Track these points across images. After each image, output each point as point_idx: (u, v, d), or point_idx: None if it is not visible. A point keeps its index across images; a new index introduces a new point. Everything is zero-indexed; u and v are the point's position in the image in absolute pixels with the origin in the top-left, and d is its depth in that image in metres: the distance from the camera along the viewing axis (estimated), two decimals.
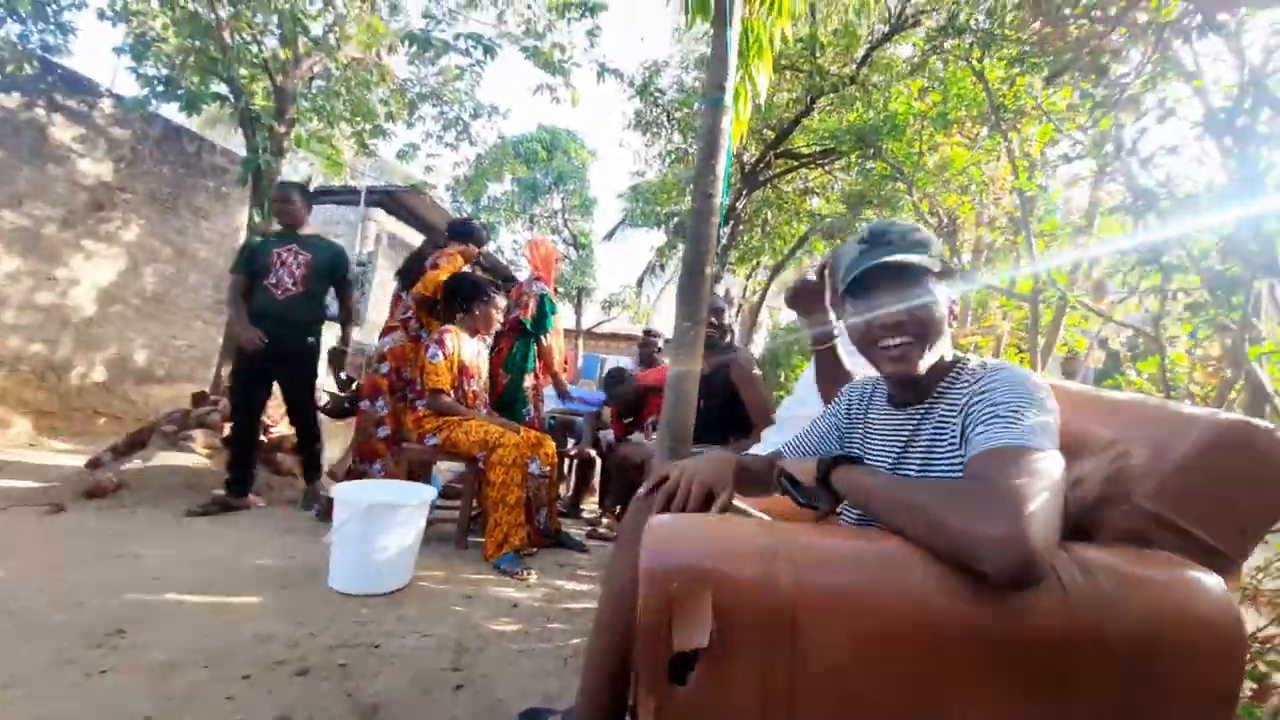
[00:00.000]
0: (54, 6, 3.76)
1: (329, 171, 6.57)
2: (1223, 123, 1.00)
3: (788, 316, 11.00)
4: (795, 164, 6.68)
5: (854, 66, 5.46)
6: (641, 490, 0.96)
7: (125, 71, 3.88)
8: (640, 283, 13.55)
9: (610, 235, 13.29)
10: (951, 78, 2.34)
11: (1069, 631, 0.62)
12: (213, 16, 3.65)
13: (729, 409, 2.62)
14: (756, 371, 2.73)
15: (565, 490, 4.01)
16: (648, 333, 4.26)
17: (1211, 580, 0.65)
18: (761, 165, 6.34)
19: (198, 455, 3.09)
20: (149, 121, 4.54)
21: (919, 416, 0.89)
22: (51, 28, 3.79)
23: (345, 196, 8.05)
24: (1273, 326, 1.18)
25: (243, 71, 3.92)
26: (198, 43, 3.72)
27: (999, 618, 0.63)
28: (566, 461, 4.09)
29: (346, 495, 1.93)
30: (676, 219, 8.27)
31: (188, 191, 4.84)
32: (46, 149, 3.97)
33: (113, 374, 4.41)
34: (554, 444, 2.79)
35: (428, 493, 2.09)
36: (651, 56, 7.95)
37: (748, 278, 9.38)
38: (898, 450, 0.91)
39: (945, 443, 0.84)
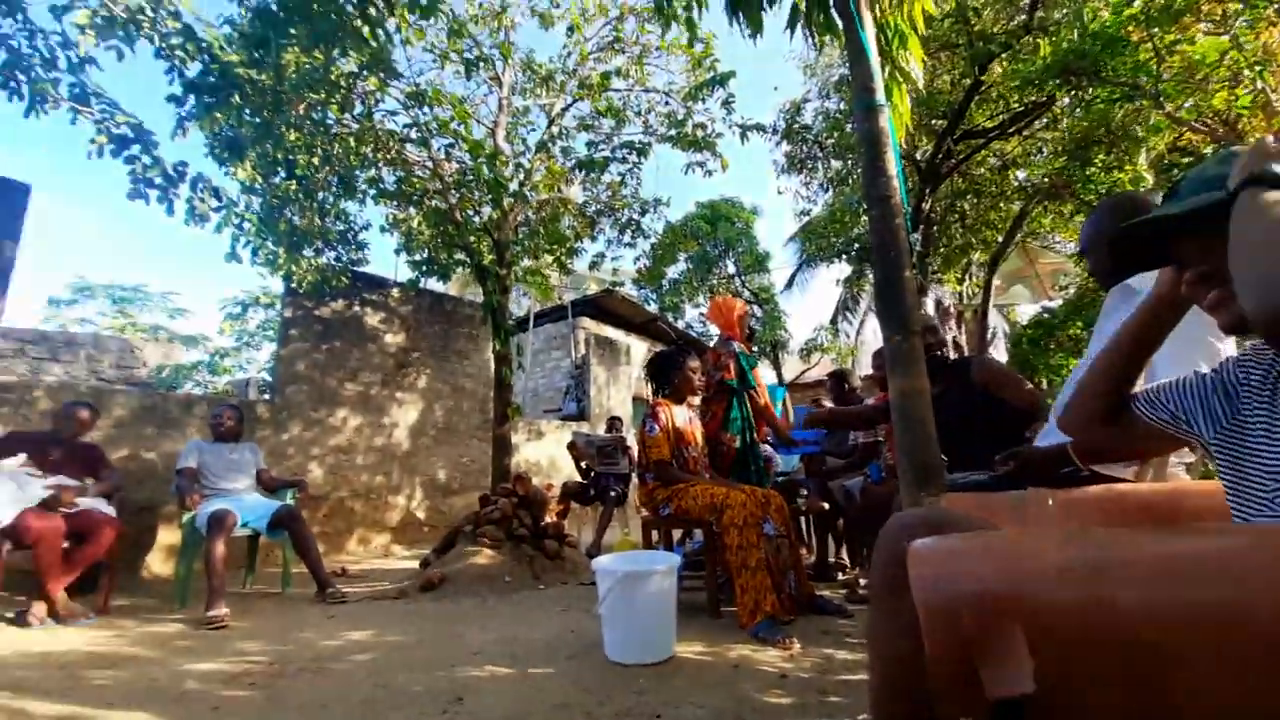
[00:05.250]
0: (351, 233, 5.24)
1: (541, 297, 7.83)
2: None
3: (1027, 311, 9.24)
4: (982, 141, 5.88)
5: (1025, 14, 4.75)
6: None
7: (401, 265, 5.27)
8: (835, 321, 12.85)
9: (791, 283, 13.05)
10: None
11: None
12: (447, 205, 4.81)
13: (989, 423, 2.21)
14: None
15: (809, 555, 3.76)
16: (835, 374, 3.94)
17: None
18: (940, 158, 5.72)
19: (488, 549, 3.70)
20: (421, 295, 6.02)
21: None
22: (353, 248, 5.31)
23: (556, 315, 9.47)
24: None
25: (471, 237, 5.01)
26: (441, 228, 4.91)
27: None
28: (803, 522, 3.88)
29: (604, 566, 2.10)
30: (857, 245, 7.80)
31: (452, 340, 6.19)
32: (364, 333, 5.51)
33: (425, 491, 5.63)
34: (783, 500, 2.69)
35: (672, 559, 2.17)
36: (788, 98, 8.00)
37: (960, 282, 8.25)
38: None
39: None
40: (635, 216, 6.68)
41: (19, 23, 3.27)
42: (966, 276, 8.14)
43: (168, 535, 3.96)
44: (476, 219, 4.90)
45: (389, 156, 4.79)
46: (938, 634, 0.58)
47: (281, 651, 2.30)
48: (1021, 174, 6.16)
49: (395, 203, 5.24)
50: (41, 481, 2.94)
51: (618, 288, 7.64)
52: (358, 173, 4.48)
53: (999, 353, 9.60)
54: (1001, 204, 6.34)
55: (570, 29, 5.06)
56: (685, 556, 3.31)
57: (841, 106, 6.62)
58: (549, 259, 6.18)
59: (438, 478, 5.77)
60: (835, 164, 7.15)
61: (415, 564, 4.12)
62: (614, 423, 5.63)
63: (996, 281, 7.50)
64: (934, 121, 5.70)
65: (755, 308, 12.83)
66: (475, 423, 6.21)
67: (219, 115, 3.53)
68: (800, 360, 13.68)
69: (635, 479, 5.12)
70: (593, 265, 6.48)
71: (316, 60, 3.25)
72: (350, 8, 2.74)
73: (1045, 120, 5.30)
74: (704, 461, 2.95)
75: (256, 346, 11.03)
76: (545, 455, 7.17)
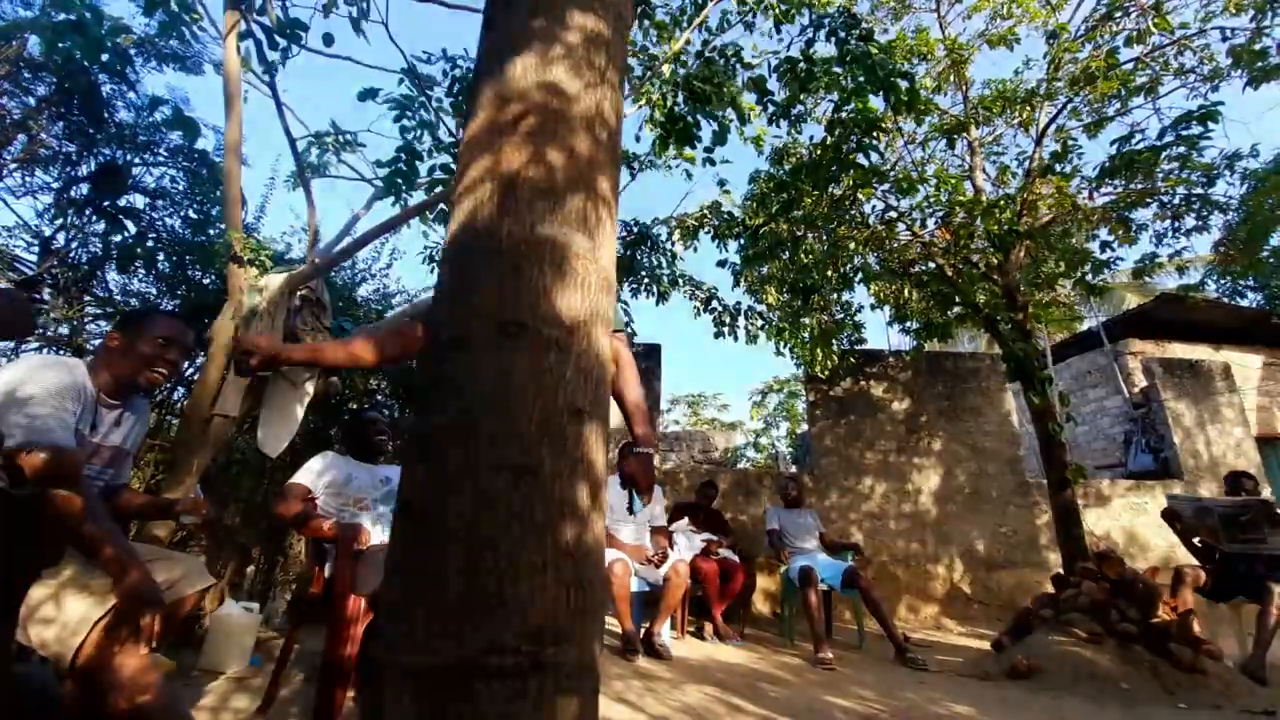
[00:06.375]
0: (850, 318, 5.81)
1: (1059, 330, 6.54)
2: None
3: None
4: None
5: None
6: None
7: (892, 334, 5.47)
8: None
9: None
10: None
11: None
12: (936, 266, 4.79)
13: None
14: None
15: None
16: None
17: None
18: None
19: (1078, 639, 3.14)
20: (920, 359, 6.03)
21: None
22: (851, 330, 5.83)
23: (1082, 344, 7.61)
24: None
25: (971, 290, 4.78)
26: (933, 290, 4.92)
27: None
28: None
29: None
30: None
31: (959, 398, 5.89)
32: (872, 404, 5.88)
33: (966, 562, 5.32)
34: None
35: None
36: None
37: None
38: None
39: None
40: (1196, 191, 4.86)
41: (648, 248, 5.42)
42: None
43: (762, 581, 5.13)
44: (974, 270, 4.67)
45: (871, 243, 5.23)
46: None
47: (897, 707, 2.58)
48: None
49: (881, 280, 5.60)
50: (698, 536, 4.37)
51: (1195, 292, 5.47)
52: (846, 267, 5.09)
53: None
54: None
55: (1050, 35, 4.41)
56: None
57: None
58: (1067, 284, 5.17)
59: (975, 548, 5.36)
60: None
61: (980, 643, 3.89)
62: (1240, 480, 3.96)
63: None
64: None
65: None
66: (1008, 487, 5.54)
67: (754, 261, 4.77)
68: None
69: None
70: (1140, 272, 4.98)
71: (820, 200, 4.03)
72: (844, 146, 3.33)
73: None
74: None
75: (776, 425, 13.43)
76: (1115, 525, 5.61)
